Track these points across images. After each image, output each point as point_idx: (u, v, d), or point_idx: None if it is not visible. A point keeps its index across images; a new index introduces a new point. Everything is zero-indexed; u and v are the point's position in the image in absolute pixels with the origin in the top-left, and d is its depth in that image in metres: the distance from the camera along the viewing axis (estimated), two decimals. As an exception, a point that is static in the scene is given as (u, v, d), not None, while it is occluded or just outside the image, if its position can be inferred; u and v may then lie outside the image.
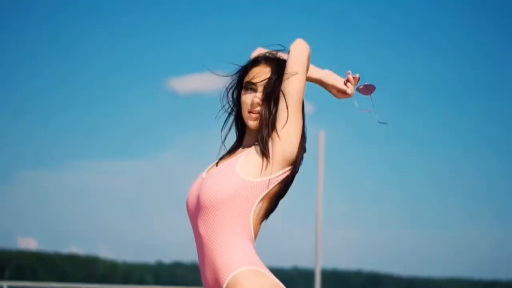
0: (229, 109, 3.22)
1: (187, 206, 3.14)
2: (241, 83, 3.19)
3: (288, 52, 3.11)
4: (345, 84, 3.25)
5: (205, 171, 3.17)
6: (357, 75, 3.26)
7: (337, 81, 3.27)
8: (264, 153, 3.00)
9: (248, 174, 2.98)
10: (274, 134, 3.02)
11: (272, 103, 3.06)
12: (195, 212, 3.07)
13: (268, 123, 3.04)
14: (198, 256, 3.08)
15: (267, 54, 3.21)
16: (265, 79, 3.10)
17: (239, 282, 2.86)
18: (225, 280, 2.89)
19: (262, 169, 2.99)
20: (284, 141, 3.01)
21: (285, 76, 3.06)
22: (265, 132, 3.03)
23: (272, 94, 3.07)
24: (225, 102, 3.22)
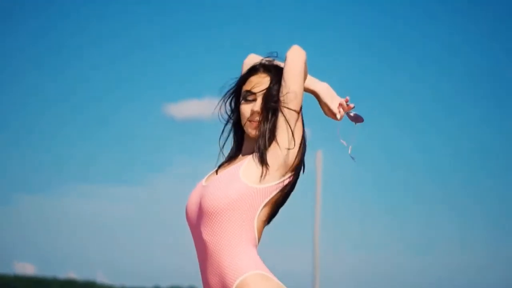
0: (228, 117, 3.24)
1: (187, 214, 3.15)
2: (239, 92, 3.21)
3: (285, 59, 3.11)
4: (338, 107, 3.27)
5: (205, 178, 3.18)
6: (352, 105, 3.27)
7: (332, 100, 3.27)
8: (263, 162, 3.03)
9: (251, 181, 3.01)
10: (273, 143, 3.05)
11: (271, 113, 3.08)
12: (198, 219, 3.08)
13: (265, 133, 3.07)
14: (200, 263, 3.10)
15: (265, 62, 3.22)
16: (264, 89, 3.12)
17: (247, 286, 2.91)
18: (233, 284, 2.93)
19: (262, 176, 3.02)
20: (283, 149, 3.04)
21: (283, 85, 3.07)
22: (261, 142, 3.06)
23: (271, 104, 3.09)
24: (223, 111, 3.24)
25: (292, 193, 3.15)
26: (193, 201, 3.13)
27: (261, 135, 3.07)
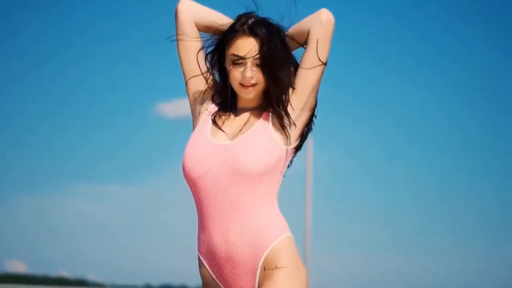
0: (210, 73, 3.26)
1: (196, 170, 3.12)
2: (221, 49, 3.21)
3: (314, 21, 3.15)
4: None
5: (209, 134, 3.18)
6: None
7: None
8: (290, 123, 3.16)
9: (283, 142, 3.15)
10: (292, 109, 3.17)
11: (278, 78, 3.13)
12: (225, 178, 3.08)
13: (283, 98, 3.15)
14: (211, 221, 3.09)
15: (251, 24, 3.16)
16: (256, 55, 3.13)
17: (283, 248, 3.06)
18: (272, 243, 3.05)
19: (289, 138, 3.16)
20: (303, 114, 3.19)
21: (310, 49, 3.14)
22: (282, 104, 3.15)
23: (275, 71, 3.12)
24: (205, 66, 3.27)
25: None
26: (211, 158, 3.12)
27: (280, 99, 3.15)
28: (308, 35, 3.16)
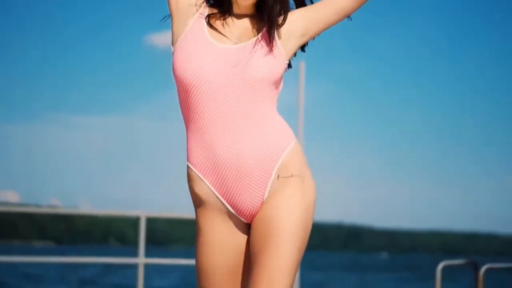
0: None
1: (198, 76, 2.94)
2: None
3: None
4: None
5: (208, 36, 3.00)
6: None
7: None
8: (300, 40, 3.10)
9: (287, 55, 3.07)
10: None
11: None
12: (229, 85, 2.93)
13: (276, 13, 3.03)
14: (216, 133, 2.94)
15: None
16: None
17: (295, 155, 2.99)
18: (284, 151, 2.97)
19: (289, 52, 3.08)
20: (302, 39, 3.11)
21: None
22: (279, 18, 3.05)
23: None
24: None
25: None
26: (220, 63, 2.95)
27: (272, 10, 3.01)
28: None
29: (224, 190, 2.96)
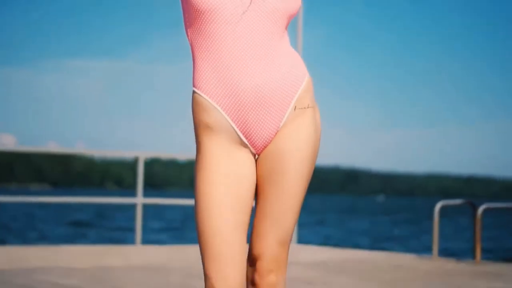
0: None
1: (226, 2, 2.87)
2: None
3: None
4: None
5: None
6: None
7: None
8: None
9: None
10: None
11: None
12: (251, 14, 2.89)
13: None
14: (235, 60, 2.88)
15: None
16: None
17: (310, 88, 3.01)
18: (301, 84, 2.97)
19: None
20: None
21: None
22: None
23: None
24: None
25: None
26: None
27: None
28: None
29: (239, 118, 2.88)
